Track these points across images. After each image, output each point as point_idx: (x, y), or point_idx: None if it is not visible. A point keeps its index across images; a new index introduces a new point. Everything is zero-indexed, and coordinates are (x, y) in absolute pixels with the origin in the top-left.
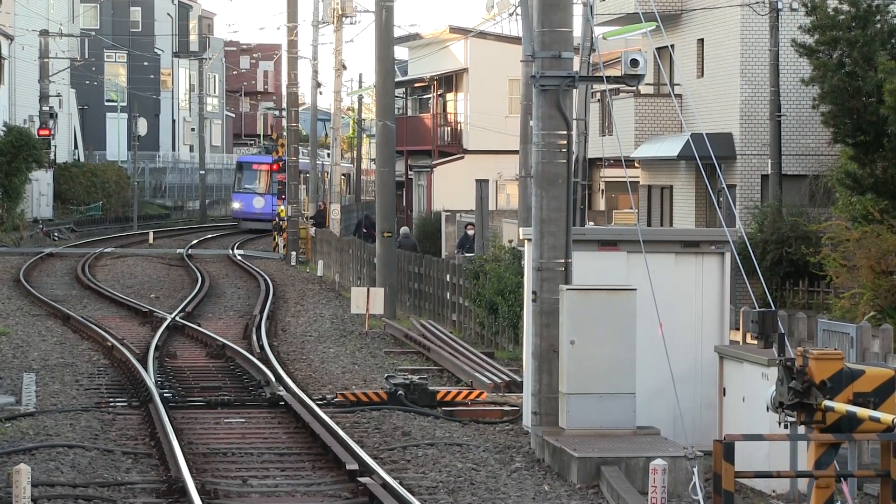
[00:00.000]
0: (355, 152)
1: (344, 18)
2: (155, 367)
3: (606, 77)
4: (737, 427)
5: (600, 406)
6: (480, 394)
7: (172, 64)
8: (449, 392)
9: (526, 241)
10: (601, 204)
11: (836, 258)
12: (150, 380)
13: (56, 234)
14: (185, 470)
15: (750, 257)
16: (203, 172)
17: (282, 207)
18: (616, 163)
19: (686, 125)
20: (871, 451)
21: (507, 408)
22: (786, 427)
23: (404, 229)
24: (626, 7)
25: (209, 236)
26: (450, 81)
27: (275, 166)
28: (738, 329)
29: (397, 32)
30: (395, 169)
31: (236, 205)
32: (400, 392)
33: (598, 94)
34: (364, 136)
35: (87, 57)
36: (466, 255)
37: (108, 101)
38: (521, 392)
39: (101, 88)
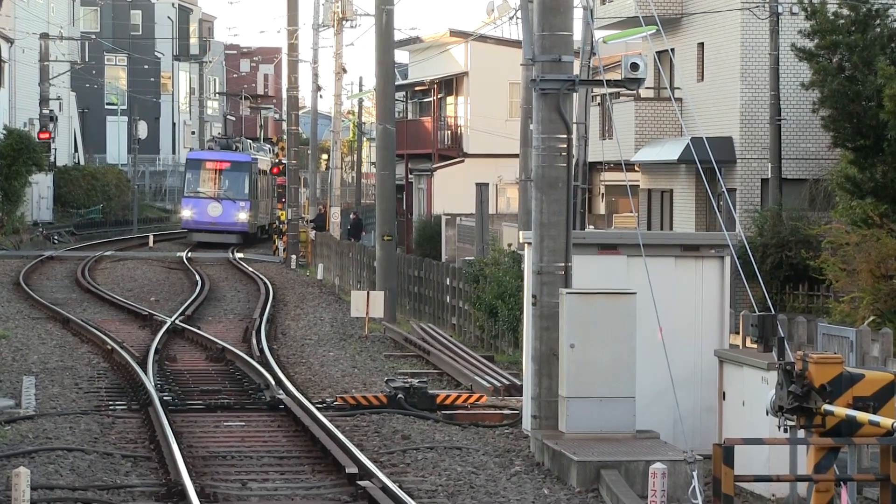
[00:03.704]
0: (356, 156)
1: (344, 22)
2: (154, 370)
3: (607, 81)
4: (736, 431)
5: (600, 410)
6: (480, 397)
7: (173, 67)
8: (449, 395)
9: (526, 245)
10: (601, 208)
11: (835, 262)
12: (149, 383)
13: (56, 237)
14: (184, 473)
15: (750, 261)
16: None
17: (282, 211)
18: (616, 166)
19: (686, 129)
20: (870, 454)
21: (506, 411)
22: (785, 431)
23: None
24: (627, 11)
25: None
26: (450, 85)
27: (275, 170)
28: (737, 333)
29: (398, 36)
30: (396, 172)
31: (186, 212)
32: (400, 395)
33: (599, 98)
34: (364, 139)
35: (87, 60)
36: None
37: (108, 104)
38: (521, 396)
39: (101, 91)
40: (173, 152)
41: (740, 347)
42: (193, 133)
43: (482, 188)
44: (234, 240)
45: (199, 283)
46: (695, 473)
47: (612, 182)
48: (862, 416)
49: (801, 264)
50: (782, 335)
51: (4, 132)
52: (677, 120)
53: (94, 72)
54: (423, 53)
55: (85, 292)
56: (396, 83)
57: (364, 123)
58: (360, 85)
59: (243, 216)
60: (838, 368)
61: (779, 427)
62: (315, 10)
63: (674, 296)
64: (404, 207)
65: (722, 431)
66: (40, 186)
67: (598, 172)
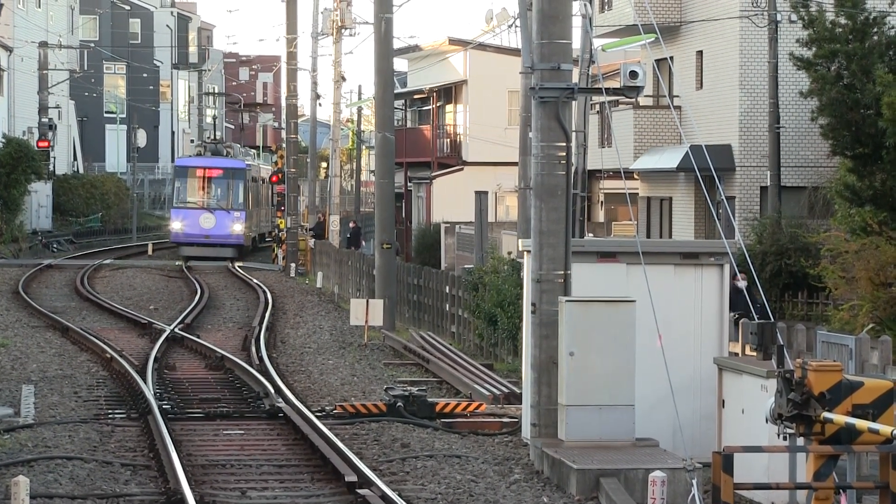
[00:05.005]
0: (355, 164)
1: (343, 30)
2: (154, 378)
3: (606, 89)
4: (736, 439)
5: (599, 418)
6: (479, 405)
7: (172, 75)
8: (448, 404)
9: (525, 253)
10: (600, 216)
11: (834, 270)
12: (148, 391)
13: (55, 245)
14: (183, 482)
15: (749, 269)
16: None
17: (281, 219)
18: (615, 174)
19: (685, 137)
20: (869, 462)
21: (506, 419)
22: (785, 439)
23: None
24: (626, 19)
25: None
26: (449, 93)
27: (274, 178)
28: (737, 341)
29: (397, 44)
30: (395, 181)
31: (176, 224)
32: (399, 404)
33: (598, 106)
34: (363, 147)
35: (86, 68)
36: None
37: (107, 112)
38: (521, 404)
39: (100, 100)
40: (172, 161)
41: (740, 355)
42: (193, 141)
43: (481, 196)
44: (228, 253)
45: (199, 291)
46: (694, 481)
47: (611, 190)
48: (861, 423)
49: (800, 272)
50: (781, 343)
51: (3, 141)
52: (676, 128)
53: (92, 80)
54: (423, 62)
55: (84, 301)
56: (395, 91)
57: (363, 131)
58: (360, 93)
59: (238, 227)
60: (837, 376)
61: (778, 435)
62: (314, 19)
63: (673, 304)
64: (403, 215)
65: (721, 439)
66: (39, 195)
67: (597, 180)
